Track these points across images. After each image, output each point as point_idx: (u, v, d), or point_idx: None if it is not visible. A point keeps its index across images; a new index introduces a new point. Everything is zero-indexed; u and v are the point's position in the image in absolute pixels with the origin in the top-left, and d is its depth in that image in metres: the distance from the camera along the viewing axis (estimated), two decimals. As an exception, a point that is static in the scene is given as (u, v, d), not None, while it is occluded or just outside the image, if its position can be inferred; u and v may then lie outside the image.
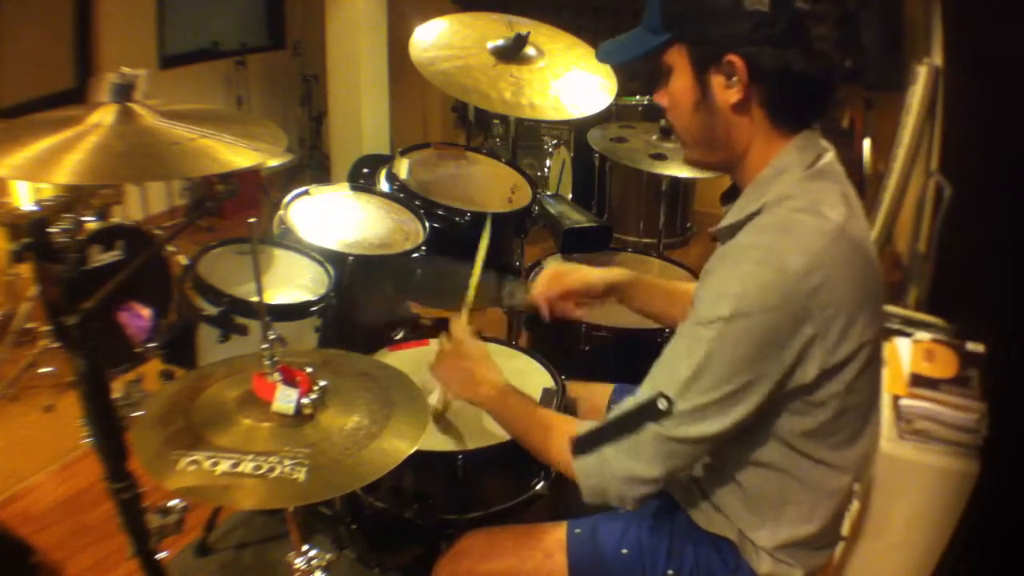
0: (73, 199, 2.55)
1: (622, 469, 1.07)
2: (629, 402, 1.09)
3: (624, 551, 1.23)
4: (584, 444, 1.13)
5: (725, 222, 1.11)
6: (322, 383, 1.16)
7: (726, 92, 1.04)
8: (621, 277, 1.57)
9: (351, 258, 1.75)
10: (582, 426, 1.16)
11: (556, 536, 1.27)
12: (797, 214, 1.01)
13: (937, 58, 2.65)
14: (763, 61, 1.00)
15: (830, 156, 1.08)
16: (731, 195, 1.17)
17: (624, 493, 1.09)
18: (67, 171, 0.99)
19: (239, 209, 4.01)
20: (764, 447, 1.10)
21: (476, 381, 1.35)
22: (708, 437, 1.03)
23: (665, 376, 1.05)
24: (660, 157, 2.53)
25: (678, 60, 1.07)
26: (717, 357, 0.99)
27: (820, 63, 1.02)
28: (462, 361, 1.39)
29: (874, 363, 1.08)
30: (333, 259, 1.75)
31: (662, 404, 1.03)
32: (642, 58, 1.11)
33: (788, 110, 1.06)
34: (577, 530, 1.27)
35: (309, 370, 1.16)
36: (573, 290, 1.58)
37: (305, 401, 1.12)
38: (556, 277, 1.59)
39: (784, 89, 1.04)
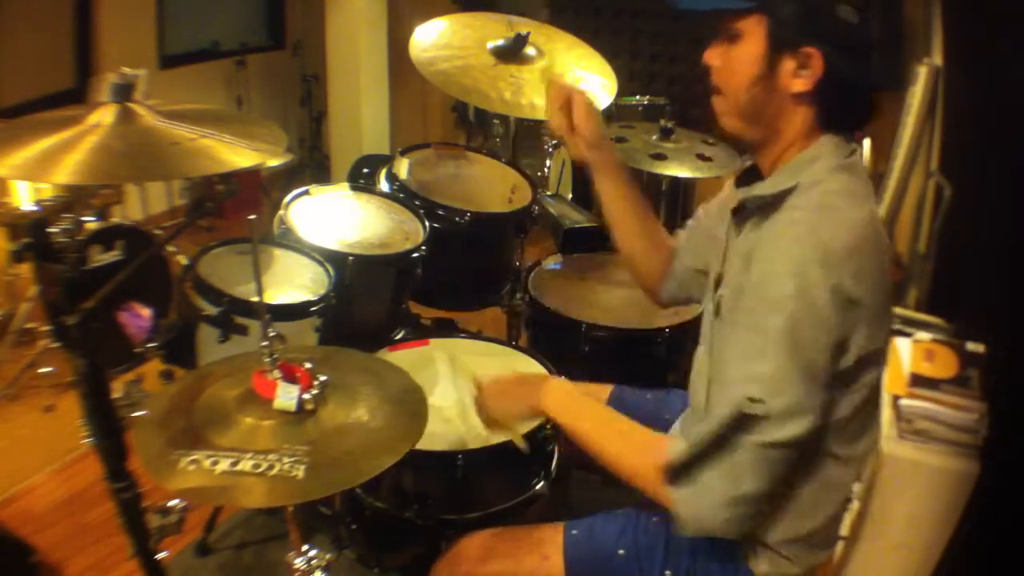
0: (73, 199, 2.56)
1: (723, 494, 1.01)
2: (712, 420, 1.01)
3: (621, 552, 1.22)
4: (679, 474, 1.05)
5: (756, 191, 1.11)
6: (322, 378, 1.16)
7: (792, 79, 1.05)
8: (602, 156, 1.42)
9: (351, 258, 1.75)
10: (672, 449, 1.06)
11: (553, 538, 1.26)
12: (834, 197, 1.03)
13: (937, 58, 2.65)
14: (838, 65, 1.03)
15: (859, 155, 1.10)
16: (748, 178, 1.19)
17: (728, 519, 1.02)
18: (67, 171, 1.00)
19: (239, 209, 3.97)
20: None
21: (531, 385, 1.29)
22: (805, 433, 0.99)
23: (743, 379, 0.99)
24: (660, 157, 2.53)
25: (754, 30, 1.07)
26: (795, 343, 0.96)
27: (873, 84, 1.08)
28: (506, 382, 1.35)
29: (885, 358, 1.09)
30: (333, 259, 1.75)
31: (755, 409, 0.97)
32: (715, 13, 1.11)
33: (838, 115, 1.08)
34: (574, 531, 1.27)
35: (308, 365, 1.16)
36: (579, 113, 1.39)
37: (307, 397, 1.12)
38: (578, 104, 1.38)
39: (844, 97, 1.06)
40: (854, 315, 0.98)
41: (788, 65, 1.05)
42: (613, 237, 1.49)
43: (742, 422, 0.99)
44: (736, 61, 1.09)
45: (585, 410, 1.23)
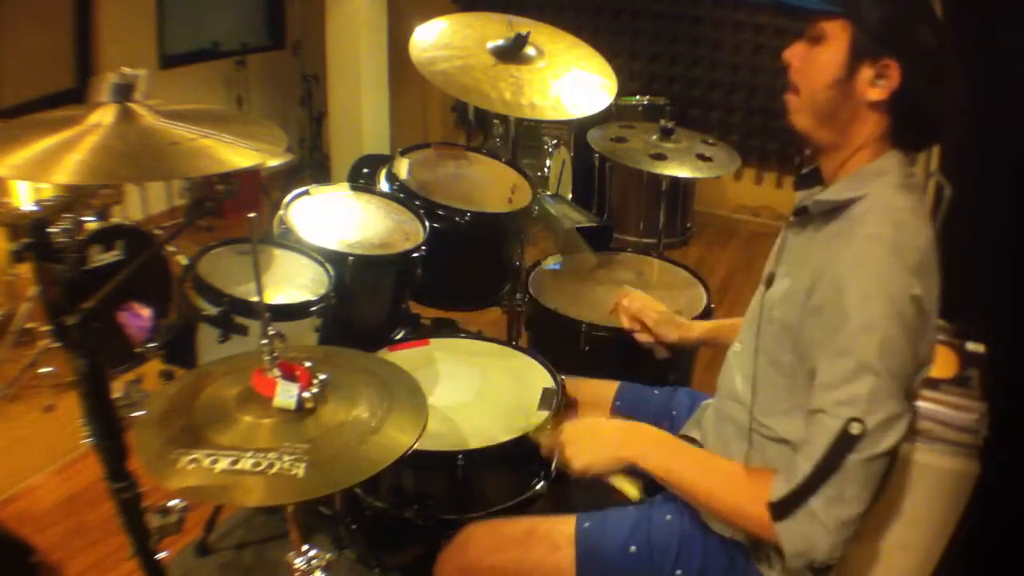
0: (73, 199, 2.56)
1: (831, 519, 1.01)
2: (811, 451, 1.01)
3: (632, 548, 1.22)
4: (785, 509, 1.04)
5: (823, 197, 1.13)
6: (322, 376, 1.16)
7: (869, 87, 1.08)
8: (706, 335, 1.61)
9: (351, 258, 1.75)
10: (777, 488, 1.05)
11: (565, 529, 1.26)
12: (906, 215, 1.06)
13: (937, 58, 2.65)
14: (913, 83, 1.06)
15: (918, 176, 1.13)
16: (808, 180, 1.22)
17: (835, 544, 1.02)
18: (67, 171, 1.00)
19: (239, 209, 3.99)
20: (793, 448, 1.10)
21: (614, 435, 1.25)
22: (900, 440, 1.01)
23: (839, 403, 1.00)
24: (660, 157, 2.53)
25: (837, 34, 1.09)
26: (888, 359, 0.99)
27: (945, 112, 1.11)
28: (585, 431, 1.27)
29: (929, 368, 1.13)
30: (333, 259, 1.75)
31: (855, 429, 0.99)
32: (797, 10, 1.14)
33: (908, 132, 1.11)
34: (586, 524, 1.27)
35: (308, 364, 1.16)
36: (653, 330, 1.64)
37: (306, 395, 1.12)
38: (647, 310, 1.64)
39: (914, 115, 1.09)
40: (926, 325, 1.03)
41: (867, 73, 1.07)
42: None
43: (843, 445, 1.00)
44: (817, 62, 1.11)
45: (677, 454, 1.20)
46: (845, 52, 1.08)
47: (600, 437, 1.24)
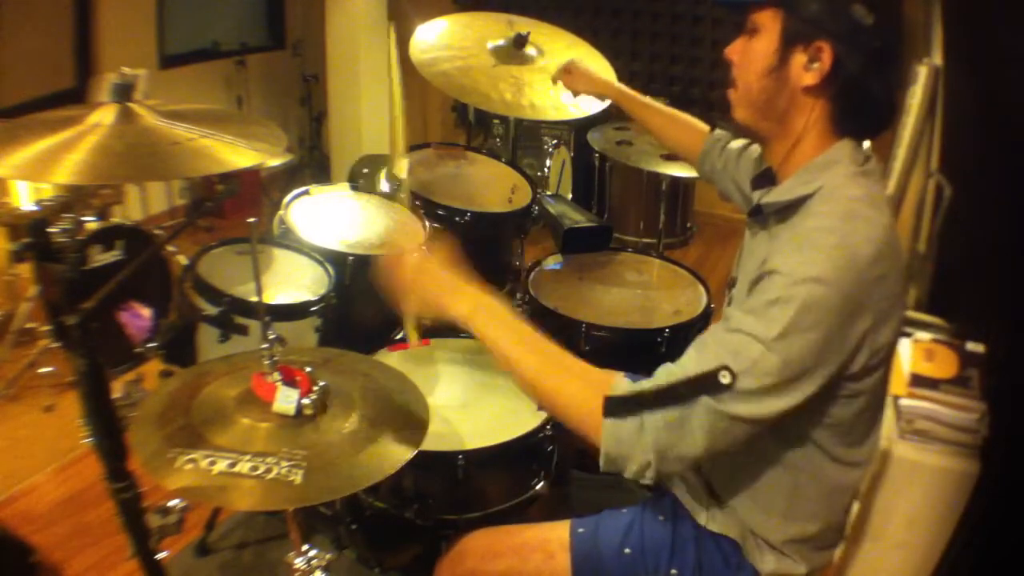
0: (73, 199, 2.56)
1: (661, 442, 0.99)
2: (675, 371, 1.01)
3: (627, 551, 1.23)
4: (620, 407, 1.01)
5: (773, 197, 1.12)
6: (321, 383, 1.16)
7: (803, 72, 1.07)
8: (611, 93, 1.81)
9: (351, 258, 1.75)
10: (618, 384, 1.03)
11: (559, 536, 1.27)
12: (858, 204, 1.03)
13: (937, 58, 2.65)
14: (849, 64, 1.04)
15: (874, 162, 1.11)
16: (763, 180, 1.20)
17: (648, 463, 1.00)
18: (67, 171, 0.99)
19: (239, 209, 4.00)
20: (784, 443, 1.10)
21: (456, 288, 1.19)
22: (761, 419, 0.98)
23: (732, 351, 0.98)
24: (671, 158, 2.55)
25: (769, 24, 1.09)
26: (792, 339, 0.96)
27: (893, 95, 1.09)
28: (436, 273, 1.23)
29: (891, 361, 1.10)
30: (333, 259, 1.75)
31: (724, 378, 0.96)
32: (733, 7, 1.16)
33: (850, 117, 1.08)
34: (580, 529, 1.27)
35: (308, 369, 1.16)
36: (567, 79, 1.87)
37: (306, 402, 1.12)
38: (575, 62, 1.87)
39: (855, 98, 1.07)
40: (867, 320, 0.98)
41: (799, 58, 1.06)
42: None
43: (710, 383, 0.97)
44: (752, 53, 1.11)
45: (508, 327, 1.13)
46: (777, 39, 1.08)
47: (437, 283, 1.21)
